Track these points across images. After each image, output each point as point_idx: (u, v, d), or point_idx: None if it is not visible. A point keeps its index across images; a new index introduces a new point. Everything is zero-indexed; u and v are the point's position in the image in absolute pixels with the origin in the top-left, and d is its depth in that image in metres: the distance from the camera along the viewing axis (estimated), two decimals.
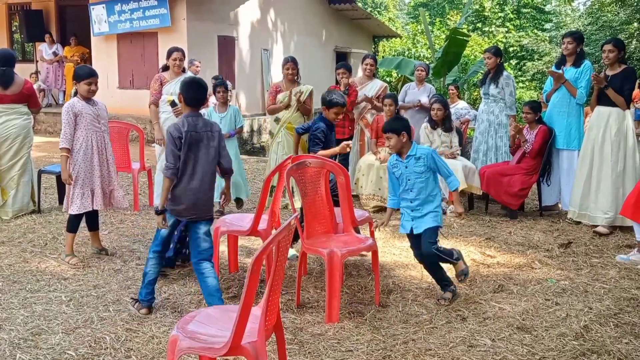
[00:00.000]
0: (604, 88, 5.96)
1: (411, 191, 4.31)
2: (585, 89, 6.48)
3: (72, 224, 5.06)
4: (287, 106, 6.90)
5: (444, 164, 4.32)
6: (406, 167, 4.29)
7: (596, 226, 6.11)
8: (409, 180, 4.30)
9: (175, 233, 4.57)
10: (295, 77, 6.94)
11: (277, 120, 7.03)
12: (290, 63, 6.89)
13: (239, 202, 6.97)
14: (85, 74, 4.89)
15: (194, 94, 3.98)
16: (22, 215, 6.47)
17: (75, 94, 5.03)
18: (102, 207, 5.13)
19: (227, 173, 4.16)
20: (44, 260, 5.09)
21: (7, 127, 6.25)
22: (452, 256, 4.31)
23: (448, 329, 3.86)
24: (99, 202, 5.04)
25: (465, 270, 4.35)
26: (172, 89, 6.61)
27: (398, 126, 4.30)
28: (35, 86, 13.42)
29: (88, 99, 4.96)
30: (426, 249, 4.22)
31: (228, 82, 7.44)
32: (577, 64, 6.53)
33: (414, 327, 3.87)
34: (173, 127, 3.90)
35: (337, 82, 7.47)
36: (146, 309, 4.03)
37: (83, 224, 5.25)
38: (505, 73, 7.22)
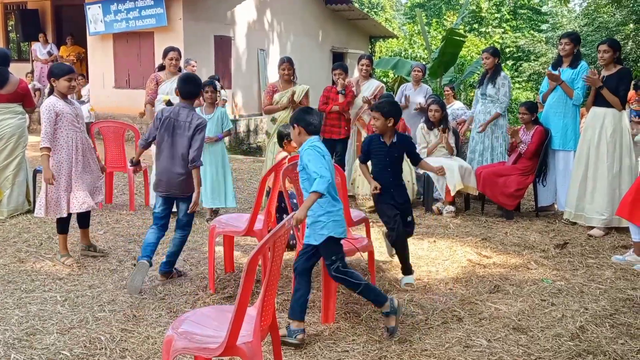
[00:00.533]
0: (599, 89, 5.96)
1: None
2: (582, 90, 6.49)
3: (62, 225, 4.99)
4: (285, 107, 6.90)
5: (315, 163, 3.57)
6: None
7: (592, 228, 6.12)
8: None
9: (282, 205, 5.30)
10: (292, 77, 6.95)
11: (273, 120, 7.03)
12: (286, 63, 6.90)
13: (215, 211, 6.61)
14: (65, 71, 4.80)
15: (188, 88, 4.56)
16: (17, 215, 6.45)
17: (51, 92, 4.88)
18: (79, 210, 4.95)
19: (190, 162, 4.45)
20: (39, 260, 5.08)
21: (2, 126, 6.23)
22: (357, 286, 3.65)
23: (444, 329, 3.85)
24: (76, 205, 4.90)
25: (392, 328, 3.65)
26: (168, 88, 6.61)
27: (293, 117, 3.84)
28: (30, 86, 13.43)
29: (65, 97, 4.88)
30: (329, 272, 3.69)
31: (217, 83, 7.26)
32: (573, 65, 6.54)
33: (410, 328, 3.87)
34: (161, 110, 4.61)
35: (334, 83, 7.46)
36: (146, 260, 4.38)
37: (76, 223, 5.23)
38: (502, 73, 7.24)
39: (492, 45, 24.89)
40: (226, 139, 6.86)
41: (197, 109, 6.35)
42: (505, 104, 7.19)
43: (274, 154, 6.85)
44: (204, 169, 6.16)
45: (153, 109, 6.61)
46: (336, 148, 7.46)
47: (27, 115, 6.55)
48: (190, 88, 4.57)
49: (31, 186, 6.66)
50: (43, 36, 14.61)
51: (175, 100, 6.64)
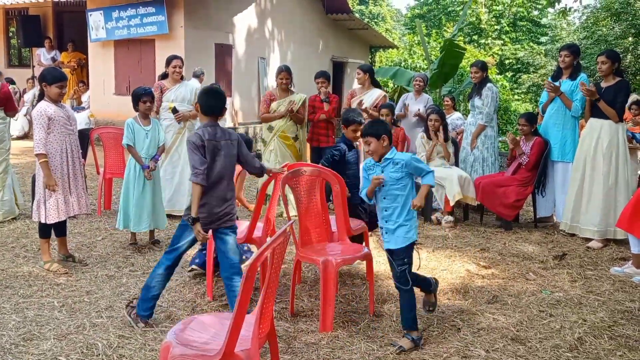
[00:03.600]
0: (596, 101, 5.98)
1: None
2: (581, 102, 6.49)
3: (47, 229, 4.95)
4: (282, 116, 6.91)
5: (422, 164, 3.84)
6: (382, 172, 3.81)
7: (590, 239, 6.12)
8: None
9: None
10: (289, 86, 6.96)
11: (270, 128, 7.03)
12: (284, 72, 6.92)
13: (153, 236, 5.93)
14: (57, 78, 4.76)
15: (212, 102, 3.86)
16: (14, 219, 6.44)
17: (41, 97, 4.85)
18: (78, 212, 5.01)
19: (258, 175, 4.36)
20: (36, 266, 5.06)
21: None
22: (429, 285, 4.05)
23: (442, 339, 3.84)
24: (76, 207, 4.95)
25: (433, 303, 4.12)
26: (173, 96, 6.71)
27: (379, 129, 3.81)
28: (31, 92, 13.44)
29: (56, 102, 4.83)
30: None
31: (152, 88, 6.29)
32: (573, 76, 6.56)
33: None
34: (194, 136, 3.78)
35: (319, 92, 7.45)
36: (144, 323, 3.89)
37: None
38: (488, 84, 7.25)
39: (491, 56, 25.02)
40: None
41: (131, 120, 5.59)
42: (488, 115, 7.19)
43: (270, 162, 6.84)
44: (128, 191, 5.55)
45: (158, 117, 6.70)
46: (322, 155, 7.48)
47: (8, 120, 6.48)
48: (216, 102, 3.88)
49: (18, 190, 6.64)
50: (49, 42, 14.63)
51: (181, 107, 6.69)
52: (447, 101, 9.74)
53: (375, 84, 7.87)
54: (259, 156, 7.21)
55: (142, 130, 5.56)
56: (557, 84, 6.60)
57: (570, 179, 6.42)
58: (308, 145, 7.66)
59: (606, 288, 4.86)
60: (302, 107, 7.00)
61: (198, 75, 10.90)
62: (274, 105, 6.97)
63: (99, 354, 3.50)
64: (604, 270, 5.32)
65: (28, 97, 13.64)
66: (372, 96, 7.69)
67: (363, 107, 7.40)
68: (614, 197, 6.01)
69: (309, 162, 7.37)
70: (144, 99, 5.51)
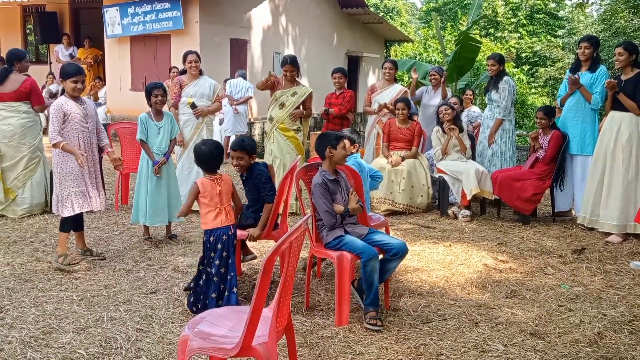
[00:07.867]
0: (615, 93, 5.89)
1: None
2: (601, 95, 6.40)
3: (67, 223, 4.95)
4: (272, 88, 6.83)
5: None
6: None
7: (609, 233, 6.05)
8: None
9: None
10: (295, 77, 6.89)
11: (270, 119, 6.94)
12: (288, 65, 6.83)
13: (170, 231, 5.94)
14: (72, 72, 4.77)
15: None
16: (34, 214, 6.50)
17: (63, 92, 4.90)
18: (98, 208, 5.01)
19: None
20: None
21: (3, 125, 6.23)
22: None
23: (460, 333, 3.82)
24: (92, 203, 4.95)
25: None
26: (192, 91, 6.72)
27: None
28: (51, 87, 13.55)
29: (75, 97, 4.85)
30: None
31: (165, 83, 6.42)
32: (592, 69, 6.46)
33: (425, 332, 3.84)
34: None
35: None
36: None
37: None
38: (505, 78, 7.17)
39: (508, 49, 24.80)
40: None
41: (144, 115, 5.60)
42: (505, 109, 7.11)
43: (272, 155, 6.80)
44: (140, 186, 5.60)
45: (177, 112, 6.73)
46: None
47: (36, 115, 6.49)
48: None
49: (48, 188, 6.70)
50: (67, 38, 14.74)
51: (199, 103, 6.70)
52: (468, 94, 9.68)
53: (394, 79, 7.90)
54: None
55: (155, 126, 5.60)
56: (576, 76, 6.51)
57: (589, 173, 6.34)
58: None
59: (626, 282, 4.80)
60: (308, 100, 6.90)
61: (245, 76, 11.73)
62: (277, 93, 6.88)
63: (118, 347, 3.53)
64: (623, 265, 5.26)
65: (45, 93, 13.78)
66: (393, 91, 7.67)
67: (383, 102, 7.44)
68: (633, 191, 5.93)
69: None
70: (155, 93, 5.54)
